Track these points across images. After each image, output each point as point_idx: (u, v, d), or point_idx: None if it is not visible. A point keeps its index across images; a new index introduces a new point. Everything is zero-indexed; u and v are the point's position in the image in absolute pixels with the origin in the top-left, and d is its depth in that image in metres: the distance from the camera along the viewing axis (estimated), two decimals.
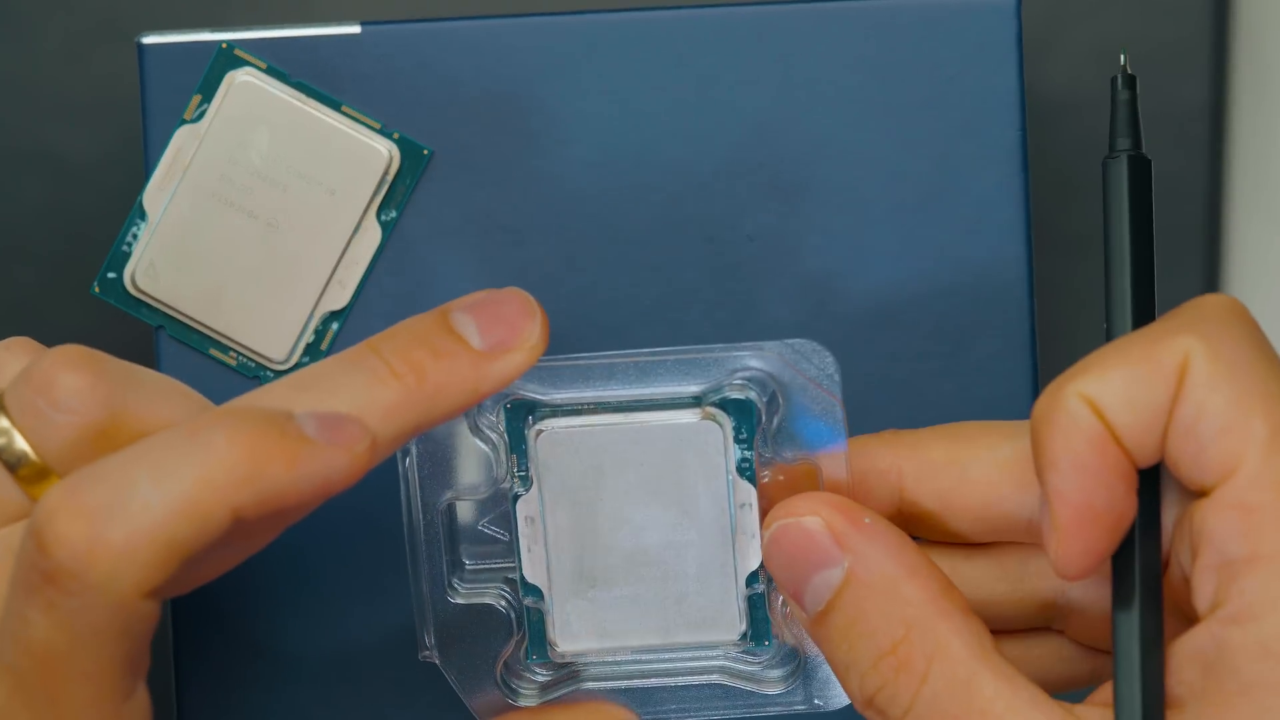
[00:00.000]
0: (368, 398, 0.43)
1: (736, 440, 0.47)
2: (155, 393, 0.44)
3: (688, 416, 0.47)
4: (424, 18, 0.50)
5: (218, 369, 0.50)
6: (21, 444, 0.44)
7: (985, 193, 0.50)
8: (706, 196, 0.50)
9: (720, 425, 0.47)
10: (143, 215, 0.50)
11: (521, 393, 0.47)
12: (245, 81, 0.49)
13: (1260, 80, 0.61)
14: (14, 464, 0.44)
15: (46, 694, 0.41)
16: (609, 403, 0.47)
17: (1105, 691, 0.42)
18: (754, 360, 0.47)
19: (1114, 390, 0.41)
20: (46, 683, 0.41)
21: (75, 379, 0.43)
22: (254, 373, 0.50)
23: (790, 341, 0.47)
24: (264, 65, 0.50)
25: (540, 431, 0.47)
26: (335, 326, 0.50)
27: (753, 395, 0.47)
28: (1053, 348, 0.59)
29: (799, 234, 0.50)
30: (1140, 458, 0.41)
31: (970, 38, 0.50)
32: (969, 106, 0.50)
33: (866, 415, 0.50)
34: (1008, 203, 0.50)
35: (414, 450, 0.47)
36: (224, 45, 0.49)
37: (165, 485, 0.40)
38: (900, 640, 0.42)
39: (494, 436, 0.47)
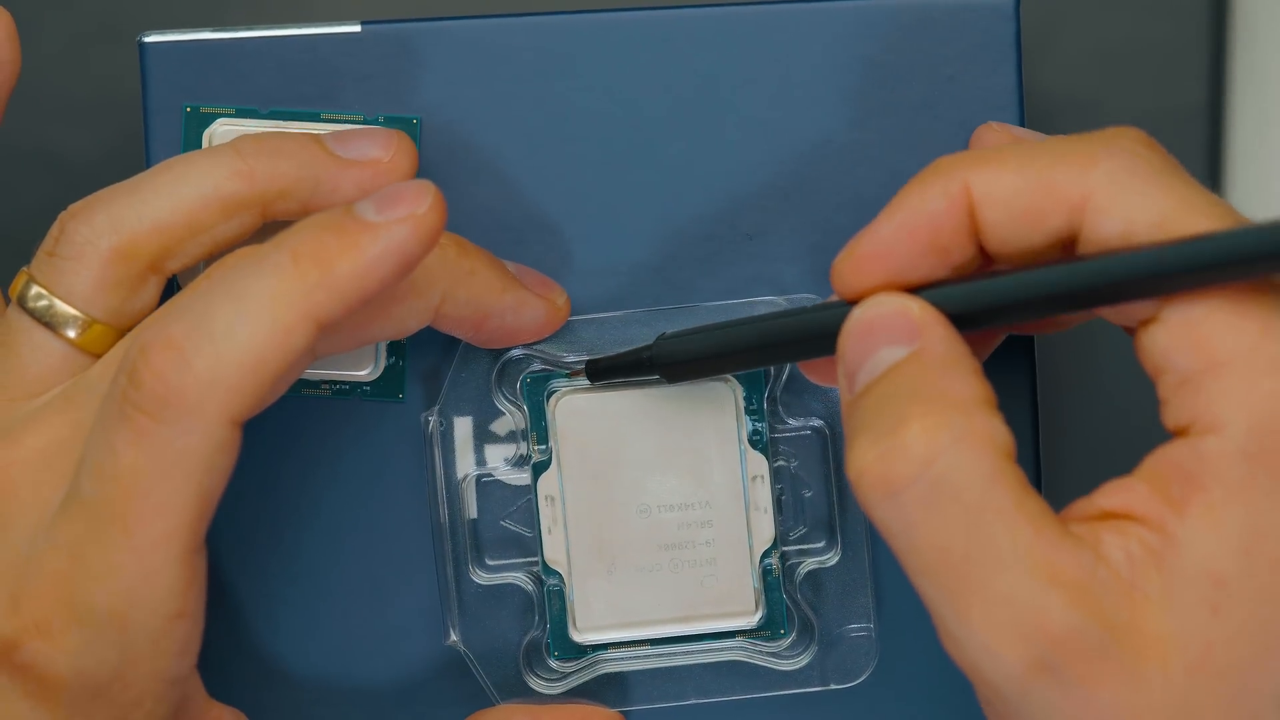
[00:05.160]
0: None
1: (748, 411, 0.48)
2: None
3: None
4: (424, 17, 0.50)
5: None
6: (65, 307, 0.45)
7: None
8: (706, 196, 0.50)
9: (731, 389, 0.48)
10: None
11: (543, 353, 0.48)
12: (226, 130, 0.49)
13: (1258, 80, 0.61)
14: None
15: (122, 525, 0.42)
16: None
17: (1109, 500, 0.41)
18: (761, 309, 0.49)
19: (999, 190, 0.43)
20: (124, 513, 0.42)
21: None
22: None
23: (793, 297, 0.49)
24: (233, 110, 0.49)
25: (559, 401, 0.48)
26: None
27: None
28: (1052, 347, 0.59)
29: (799, 234, 0.50)
30: (991, 243, 0.43)
31: (970, 38, 0.50)
32: (969, 106, 0.50)
33: None
34: None
35: (437, 426, 0.49)
36: (188, 109, 0.49)
37: (242, 307, 0.42)
38: (928, 421, 0.41)
39: (515, 410, 0.48)
